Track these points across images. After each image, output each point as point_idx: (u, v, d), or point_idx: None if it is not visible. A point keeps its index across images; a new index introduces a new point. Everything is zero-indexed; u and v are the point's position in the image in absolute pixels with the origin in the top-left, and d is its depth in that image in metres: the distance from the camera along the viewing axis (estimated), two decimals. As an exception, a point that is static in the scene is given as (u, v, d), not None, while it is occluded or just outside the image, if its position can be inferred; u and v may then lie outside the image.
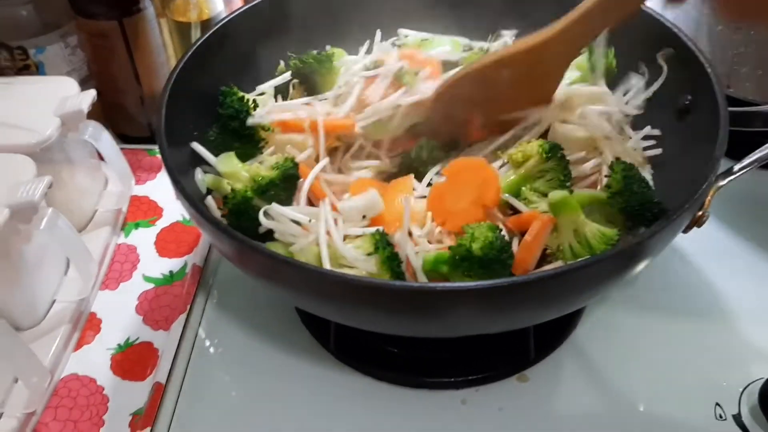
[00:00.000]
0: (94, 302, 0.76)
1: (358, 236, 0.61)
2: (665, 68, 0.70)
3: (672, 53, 0.69)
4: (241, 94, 0.71)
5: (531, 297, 0.53)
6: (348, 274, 0.55)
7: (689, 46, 0.67)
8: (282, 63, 0.79)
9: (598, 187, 0.66)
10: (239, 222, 0.63)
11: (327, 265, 0.57)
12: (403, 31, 0.81)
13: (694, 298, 0.74)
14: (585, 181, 0.67)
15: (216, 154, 0.68)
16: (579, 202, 0.60)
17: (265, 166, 0.67)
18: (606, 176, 0.64)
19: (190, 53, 0.69)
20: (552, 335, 0.70)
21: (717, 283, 0.75)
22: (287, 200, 0.65)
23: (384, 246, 0.56)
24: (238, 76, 0.74)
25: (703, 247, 0.77)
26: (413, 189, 0.66)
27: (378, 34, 0.80)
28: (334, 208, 0.63)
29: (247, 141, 0.70)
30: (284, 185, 0.64)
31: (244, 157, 0.69)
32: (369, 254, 0.57)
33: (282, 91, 0.77)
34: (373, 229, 0.60)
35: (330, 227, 0.60)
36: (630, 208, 0.61)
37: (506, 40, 0.78)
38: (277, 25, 0.78)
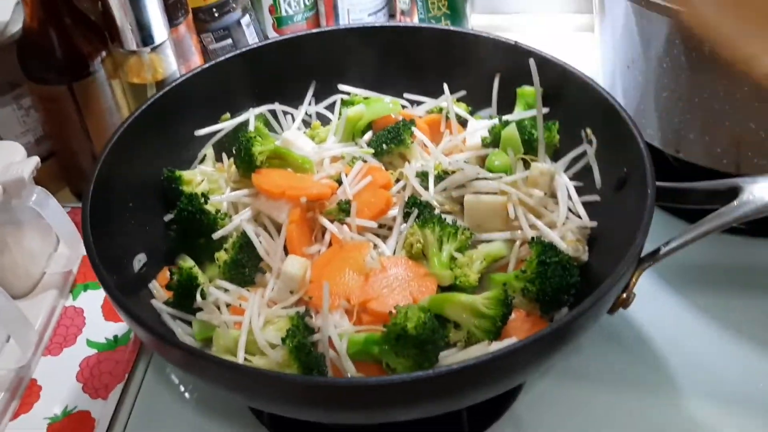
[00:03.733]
0: (35, 368, 0.76)
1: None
2: (594, 141, 0.69)
3: (591, 133, 0.71)
4: (187, 190, 0.71)
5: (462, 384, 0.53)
6: (244, 366, 0.55)
7: (626, 120, 0.67)
8: (228, 114, 0.79)
9: (511, 267, 0.66)
10: (184, 301, 0.64)
11: (241, 354, 0.56)
12: (343, 88, 0.81)
13: (642, 367, 0.72)
14: (502, 260, 0.67)
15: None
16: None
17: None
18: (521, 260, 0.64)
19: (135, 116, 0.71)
20: (488, 410, 0.69)
21: (664, 352, 0.73)
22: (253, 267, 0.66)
23: (294, 333, 0.55)
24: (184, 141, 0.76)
25: (655, 315, 0.75)
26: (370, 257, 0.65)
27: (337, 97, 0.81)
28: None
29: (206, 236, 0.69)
30: (248, 258, 0.66)
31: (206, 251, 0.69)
32: (283, 340, 0.56)
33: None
34: (293, 310, 0.59)
35: (252, 314, 0.59)
36: (542, 297, 0.60)
37: (447, 98, 0.78)
38: (225, 86, 0.79)
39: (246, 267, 0.66)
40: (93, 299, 0.83)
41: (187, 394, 0.72)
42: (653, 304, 0.76)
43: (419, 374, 0.49)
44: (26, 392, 0.74)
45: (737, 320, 0.75)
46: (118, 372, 0.75)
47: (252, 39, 1.02)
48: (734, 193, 0.61)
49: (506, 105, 0.78)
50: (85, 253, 0.86)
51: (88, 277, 0.86)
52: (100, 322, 0.81)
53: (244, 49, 0.81)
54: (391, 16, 1.12)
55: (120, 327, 0.80)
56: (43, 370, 0.76)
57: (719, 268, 0.80)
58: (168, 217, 0.72)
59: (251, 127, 0.76)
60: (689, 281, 0.79)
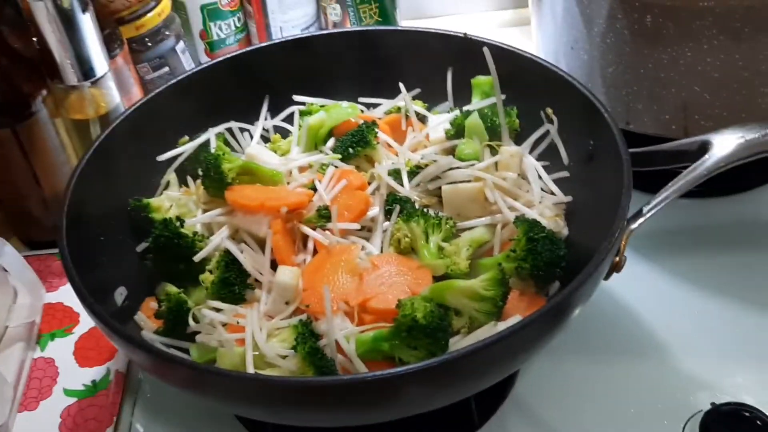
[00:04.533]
0: (13, 427, 0.72)
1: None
2: (555, 120, 0.71)
3: (551, 113, 0.72)
4: (158, 217, 0.69)
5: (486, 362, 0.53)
6: (265, 376, 0.53)
7: (586, 94, 0.69)
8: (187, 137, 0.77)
9: (496, 251, 0.66)
10: (175, 328, 0.62)
11: (250, 369, 0.55)
12: (298, 98, 0.81)
13: (628, 337, 0.74)
14: (486, 245, 0.67)
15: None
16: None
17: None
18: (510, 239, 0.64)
19: (93, 148, 0.69)
20: (492, 395, 0.69)
21: (648, 319, 0.75)
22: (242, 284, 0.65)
23: (304, 339, 0.54)
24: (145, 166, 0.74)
25: (631, 285, 0.77)
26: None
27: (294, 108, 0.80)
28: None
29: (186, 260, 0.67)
30: (235, 275, 0.64)
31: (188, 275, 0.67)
32: (293, 348, 0.55)
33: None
34: (296, 319, 0.58)
35: (254, 329, 0.58)
36: (536, 272, 0.61)
37: (404, 98, 0.79)
38: (176, 111, 0.77)
39: (235, 285, 0.64)
40: (63, 347, 0.79)
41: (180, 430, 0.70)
42: (627, 274, 0.78)
43: (442, 358, 0.49)
44: (8, 453, 0.70)
45: (708, 278, 0.78)
46: (103, 417, 0.71)
47: (189, 65, 1.00)
48: (704, 148, 0.63)
49: (462, 97, 0.79)
50: (46, 301, 0.83)
51: (53, 326, 0.81)
52: (74, 369, 0.77)
53: (192, 71, 0.79)
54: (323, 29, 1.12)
55: (97, 371, 0.76)
56: (23, 428, 0.72)
57: (683, 231, 0.84)
58: (141, 247, 0.69)
59: (213, 146, 0.74)
60: (658, 248, 0.81)
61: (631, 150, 0.64)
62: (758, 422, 0.62)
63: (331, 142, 0.77)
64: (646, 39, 0.75)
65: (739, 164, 0.65)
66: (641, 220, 0.62)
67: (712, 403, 0.66)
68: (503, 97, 0.74)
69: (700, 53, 0.74)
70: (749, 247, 0.81)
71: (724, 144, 0.64)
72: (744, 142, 0.64)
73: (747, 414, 0.63)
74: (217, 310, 0.62)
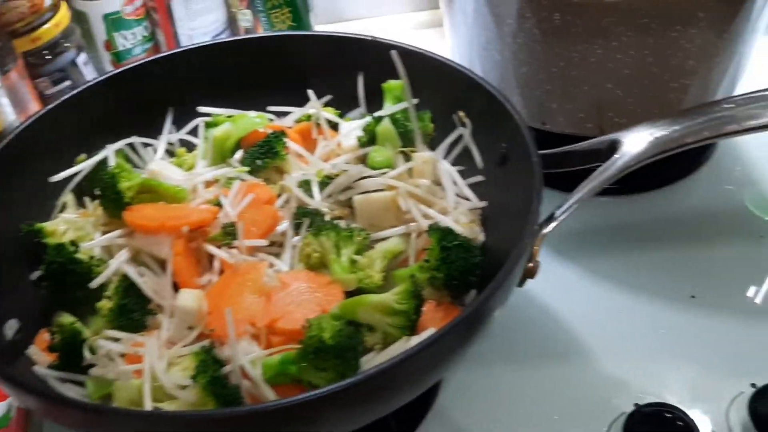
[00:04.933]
0: None
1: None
2: (468, 124, 0.70)
3: (464, 116, 0.71)
4: (52, 242, 0.65)
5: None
6: (148, 412, 0.50)
7: (495, 95, 0.67)
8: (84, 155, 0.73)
9: (411, 261, 0.64)
10: (71, 361, 0.58)
11: (147, 402, 0.51)
12: (203, 110, 0.77)
13: (551, 341, 0.73)
14: (402, 256, 0.65)
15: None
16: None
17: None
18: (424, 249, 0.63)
19: None
20: (413, 410, 0.67)
21: (571, 321, 0.74)
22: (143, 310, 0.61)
23: (205, 368, 0.51)
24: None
25: (552, 287, 0.76)
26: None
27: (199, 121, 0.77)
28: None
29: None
30: (134, 301, 0.61)
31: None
32: (193, 377, 0.52)
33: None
34: (198, 346, 0.55)
35: (153, 359, 0.54)
36: (450, 282, 0.59)
37: (314, 104, 0.76)
38: (72, 127, 0.73)
39: (134, 311, 0.60)
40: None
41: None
42: (547, 276, 0.76)
43: (350, 380, 0.47)
44: None
45: (628, 277, 0.78)
46: (5, 456, 0.67)
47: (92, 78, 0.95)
48: (614, 147, 0.63)
49: (374, 103, 0.77)
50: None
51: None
52: (-29, 407, 0.72)
53: (88, 84, 0.75)
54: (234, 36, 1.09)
55: (-3, 408, 0.72)
56: None
57: (600, 230, 0.83)
58: (36, 275, 0.65)
59: (112, 164, 0.70)
60: (576, 248, 0.81)
61: (543, 152, 0.63)
62: (679, 422, 0.61)
63: (238, 154, 0.74)
64: (556, 37, 0.74)
65: (650, 161, 0.64)
66: (554, 224, 0.60)
67: (636, 404, 0.65)
68: (415, 101, 0.72)
69: (609, 50, 0.73)
70: (667, 243, 0.81)
71: (634, 142, 0.64)
72: (653, 139, 0.63)
73: (669, 415, 0.62)
74: (115, 339, 0.58)
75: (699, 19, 0.71)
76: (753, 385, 0.66)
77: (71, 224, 0.68)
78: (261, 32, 1.02)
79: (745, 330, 0.72)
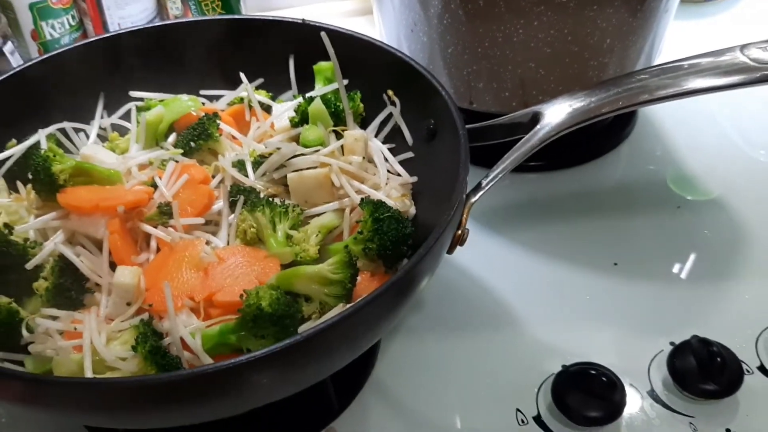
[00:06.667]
0: None
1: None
2: (398, 102, 0.72)
3: (392, 95, 0.73)
4: None
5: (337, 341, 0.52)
6: (92, 379, 0.51)
7: (423, 73, 0.70)
8: (15, 140, 0.72)
9: (345, 235, 0.66)
10: (8, 341, 0.58)
11: (89, 374, 0.52)
12: (135, 94, 0.78)
13: (482, 310, 0.76)
14: (337, 230, 0.67)
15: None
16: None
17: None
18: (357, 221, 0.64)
19: None
20: (351, 379, 0.69)
21: (501, 290, 0.77)
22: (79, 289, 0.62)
23: (145, 339, 0.52)
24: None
25: (483, 259, 0.80)
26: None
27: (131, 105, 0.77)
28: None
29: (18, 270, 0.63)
30: (71, 280, 0.61)
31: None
32: (133, 348, 0.53)
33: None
34: (137, 319, 0.56)
35: (92, 333, 0.55)
36: (383, 252, 0.61)
37: (246, 87, 0.77)
38: (3, 112, 0.72)
39: (71, 290, 0.61)
40: None
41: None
42: (477, 249, 0.80)
43: (288, 341, 0.48)
44: None
45: (554, 247, 0.82)
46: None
47: (19, 67, 0.94)
48: (535, 119, 0.66)
49: (306, 85, 0.79)
50: None
51: None
52: None
53: (14, 70, 0.74)
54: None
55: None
56: None
57: (527, 205, 0.87)
58: None
59: (44, 148, 0.70)
60: (505, 222, 0.84)
61: (468, 126, 0.66)
62: (603, 378, 0.64)
63: (172, 137, 0.75)
64: (479, 18, 0.77)
65: (570, 131, 0.67)
66: (481, 192, 0.63)
67: (563, 366, 0.68)
68: (346, 81, 0.73)
69: (531, 30, 0.76)
70: (591, 215, 0.85)
71: (555, 114, 0.67)
72: (572, 110, 0.66)
73: (593, 372, 0.65)
74: (53, 317, 0.59)
75: (613, -1, 0.75)
76: (672, 344, 0.70)
77: (4, 208, 0.67)
78: (191, 17, 1.03)
79: (664, 293, 0.77)
